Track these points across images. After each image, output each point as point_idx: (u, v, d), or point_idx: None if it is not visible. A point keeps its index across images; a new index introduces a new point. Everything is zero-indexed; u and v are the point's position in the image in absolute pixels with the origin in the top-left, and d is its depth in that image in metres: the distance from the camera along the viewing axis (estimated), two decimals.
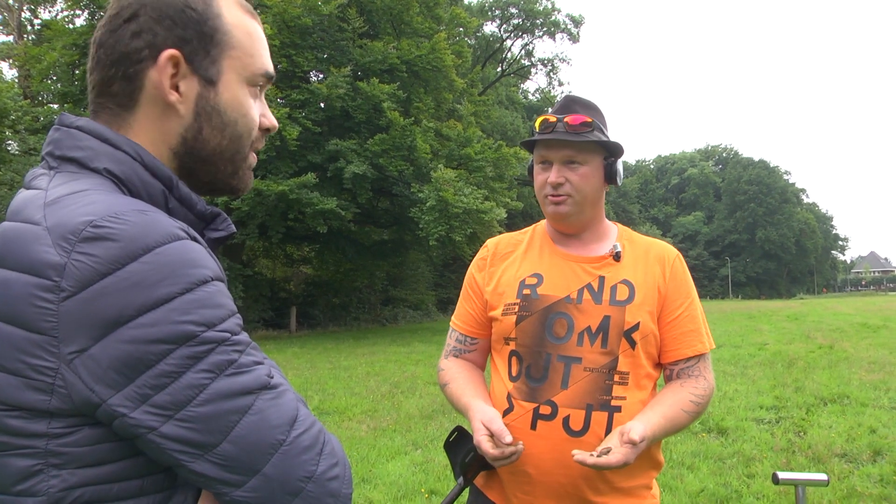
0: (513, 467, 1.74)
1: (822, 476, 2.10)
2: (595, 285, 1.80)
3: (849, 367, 10.93)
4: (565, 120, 1.78)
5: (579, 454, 1.55)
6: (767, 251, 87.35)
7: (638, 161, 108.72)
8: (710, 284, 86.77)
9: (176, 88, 0.94)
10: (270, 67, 1.03)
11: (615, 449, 1.55)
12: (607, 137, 1.83)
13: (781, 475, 2.01)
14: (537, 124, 1.84)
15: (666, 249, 1.92)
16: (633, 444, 1.53)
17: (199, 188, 1.00)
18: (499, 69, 44.47)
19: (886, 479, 5.08)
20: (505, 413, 1.76)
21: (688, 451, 5.95)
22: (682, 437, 6.44)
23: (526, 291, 1.83)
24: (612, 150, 1.85)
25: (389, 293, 30.55)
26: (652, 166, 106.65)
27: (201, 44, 0.95)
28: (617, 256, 1.84)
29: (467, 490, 1.89)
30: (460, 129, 24.70)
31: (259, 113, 1.02)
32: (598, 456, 1.54)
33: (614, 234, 1.94)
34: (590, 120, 1.79)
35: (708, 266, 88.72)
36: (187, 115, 0.95)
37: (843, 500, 4.65)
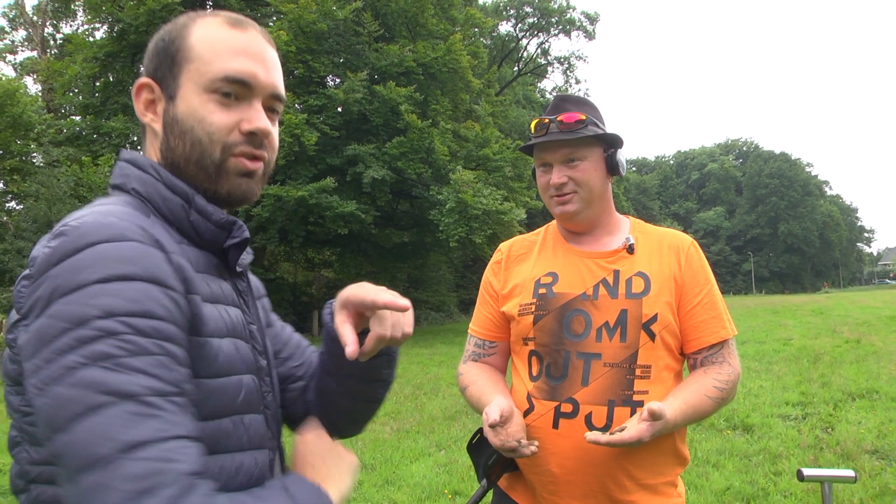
0: (537, 467, 1.74)
1: (850, 472, 2.08)
2: (610, 280, 1.80)
3: (877, 362, 10.71)
4: (558, 119, 1.80)
5: (591, 434, 1.56)
6: (790, 245, 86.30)
7: (657, 157, 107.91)
8: (732, 280, 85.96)
9: (155, 112, 1.07)
10: (232, 69, 1.03)
11: (630, 426, 1.55)
12: (603, 130, 1.84)
13: (807, 472, 2.00)
14: (532, 128, 1.85)
15: (679, 238, 1.91)
16: (650, 416, 1.51)
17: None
18: (515, 68, 44.39)
19: None
20: (526, 413, 1.76)
21: (713, 449, 5.90)
22: (707, 434, 6.39)
23: (542, 291, 1.83)
24: (610, 142, 1.86)
25: (411, 295, 30.54)
26: (671, 162, 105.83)
27: (167, 66, 1.06)
28: (630, 249, 1.84)
29: (491, 492, 1.89)
30: (478, 129, 24.69)
31: (238, 118, 1.04)
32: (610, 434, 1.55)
33: (626, 226, 1.94)
34: (583, 116, 1.80)
35: (730, 261, 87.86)
36: (160, 131, 1.06)
37: (875, 498, 4.56)
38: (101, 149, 20.45)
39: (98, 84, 23.30)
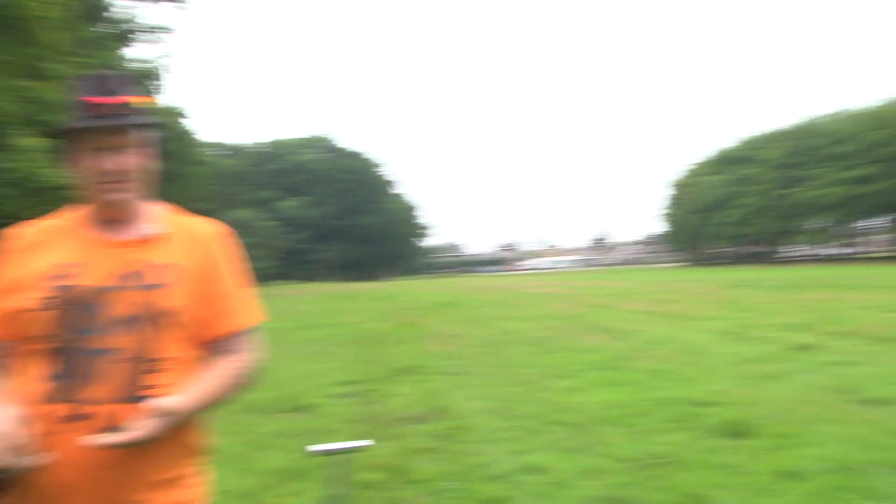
0: (42, 479, 1.51)
1: (360, 443, 2.24)
2: (130, 270, 1.65)
3: (425, 341, 12.34)
4: (114, 102, 1.65)
5: (92, 438, 1.46)
6: (364, 236, 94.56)
7: (255, 144, 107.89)
8: (310, 268, 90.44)
9: None
10: None
11: (136, 424, 1.49)
12: (152, 115, 1.75)
13: (311, 448, 2.10)
14: (77, 109, 1.65)
15: (208, 228, 1.85)
16: (155, 412, 1.49)
17: None
18: (98, 29, 40.23)
19: (439, 434, 5.84)
20: (29, 420, 1.52)
21: (267, 432, 6.02)
22: (259, 419, 6.49)
23: (57, 283, 1.61)
24: (153, 126, 1.77)
25: None
26: (266, 150, 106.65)
27: None
28: (154, 238, 1.73)
29: None
30: (47, 90, 21.72)
31: None
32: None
33: (156, 214, 1.81)
34: (134, 100, 1.69)
35: (309, 250, 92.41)
36: None
37: (399, 455, 5.16)
38: None
39: None
